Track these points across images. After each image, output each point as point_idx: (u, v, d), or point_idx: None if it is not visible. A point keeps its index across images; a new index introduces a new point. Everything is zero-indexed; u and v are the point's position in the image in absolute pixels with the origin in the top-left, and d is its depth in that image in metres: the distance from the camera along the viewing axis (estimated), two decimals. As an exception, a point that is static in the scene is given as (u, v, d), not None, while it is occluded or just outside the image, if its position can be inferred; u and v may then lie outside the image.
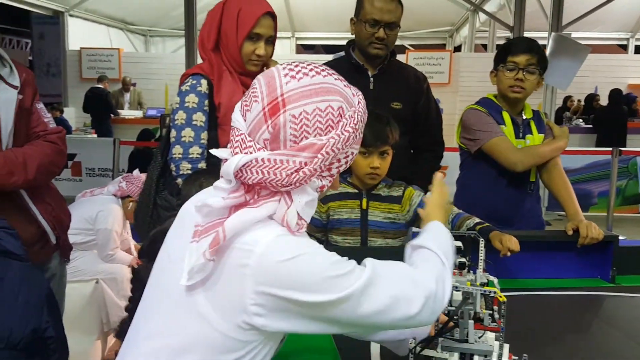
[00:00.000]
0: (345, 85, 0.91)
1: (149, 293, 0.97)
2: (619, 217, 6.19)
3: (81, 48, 10.32)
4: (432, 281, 0.89)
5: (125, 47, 11.45)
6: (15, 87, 1.61)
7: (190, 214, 0.94)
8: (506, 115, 2.17)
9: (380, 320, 0.86)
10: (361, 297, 0.83)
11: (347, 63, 2.25)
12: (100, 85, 9.10)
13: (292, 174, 0.83)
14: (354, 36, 2.24)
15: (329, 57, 4.22)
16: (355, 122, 0.87)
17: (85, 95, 8.99)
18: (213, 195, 0.89)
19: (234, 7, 1.84)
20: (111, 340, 2.99)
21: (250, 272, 0.81)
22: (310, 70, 0.88)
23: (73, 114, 9.85)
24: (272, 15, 1.88)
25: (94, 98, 8.89)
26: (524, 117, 2.20)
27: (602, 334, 1.46)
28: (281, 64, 0.92)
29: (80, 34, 10.52)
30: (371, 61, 2.21)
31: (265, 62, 1.93)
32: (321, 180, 0.87)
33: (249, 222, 0.83)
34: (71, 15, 10.30)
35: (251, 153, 0.84)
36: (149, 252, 1.14)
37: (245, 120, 0.88)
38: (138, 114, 9.57)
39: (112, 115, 9.10)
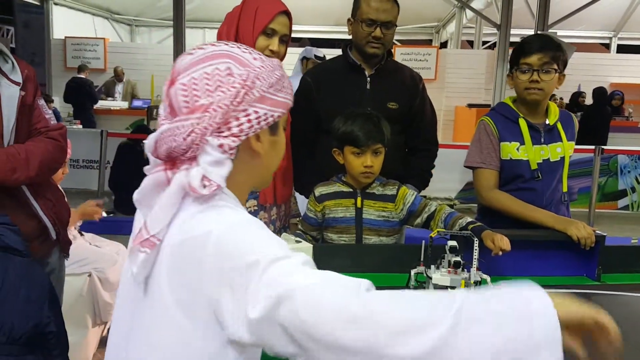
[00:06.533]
0: (243, 51, 0.91)
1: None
2: (598, 213, 6.34)
3: (66, 37, 10.14)
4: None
5: (110, 36, 11.29)
6: (17, 84, 1.61)
7: None
8: (522, 123, 2.08)
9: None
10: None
11: (344, 62, 2.28)
12: (82, 75, 8.98)
13: (187, 136, 0.84)
14: (350, 36, 2.27)
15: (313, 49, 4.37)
16: (244, 78, 0.87)
17: (67, 84, 8.85)
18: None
19: (253, 5, 1.93)
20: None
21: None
22: (209, 45, 0.91)
23: (57, 104, 9.73)
24: (288, 15, 1.96)
25: (77, 88, 8.76)
26: (547, 123, 2.10)
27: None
28: None
29: (64, 23, 10.33)
30: (368, 60, 2.24)
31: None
32: (221, 139, 0.85)
33: (165, 207, 0.85)
34: (55, 4, 10.10)
35: None
36: None
37: None
38: (124, 104, 9.49)
39: (93, 105, 9.02)
